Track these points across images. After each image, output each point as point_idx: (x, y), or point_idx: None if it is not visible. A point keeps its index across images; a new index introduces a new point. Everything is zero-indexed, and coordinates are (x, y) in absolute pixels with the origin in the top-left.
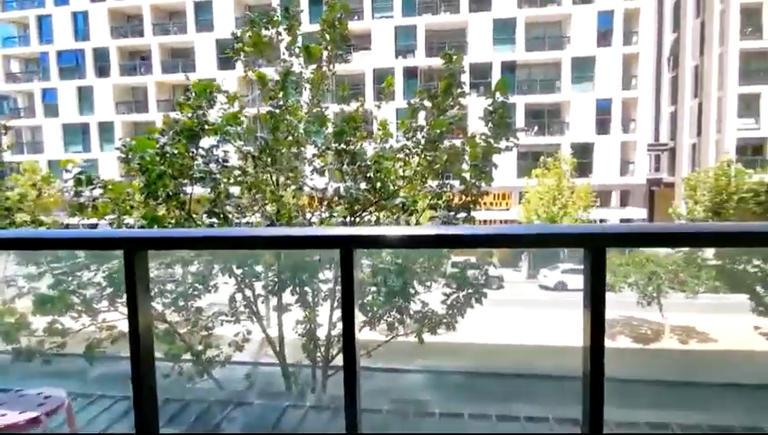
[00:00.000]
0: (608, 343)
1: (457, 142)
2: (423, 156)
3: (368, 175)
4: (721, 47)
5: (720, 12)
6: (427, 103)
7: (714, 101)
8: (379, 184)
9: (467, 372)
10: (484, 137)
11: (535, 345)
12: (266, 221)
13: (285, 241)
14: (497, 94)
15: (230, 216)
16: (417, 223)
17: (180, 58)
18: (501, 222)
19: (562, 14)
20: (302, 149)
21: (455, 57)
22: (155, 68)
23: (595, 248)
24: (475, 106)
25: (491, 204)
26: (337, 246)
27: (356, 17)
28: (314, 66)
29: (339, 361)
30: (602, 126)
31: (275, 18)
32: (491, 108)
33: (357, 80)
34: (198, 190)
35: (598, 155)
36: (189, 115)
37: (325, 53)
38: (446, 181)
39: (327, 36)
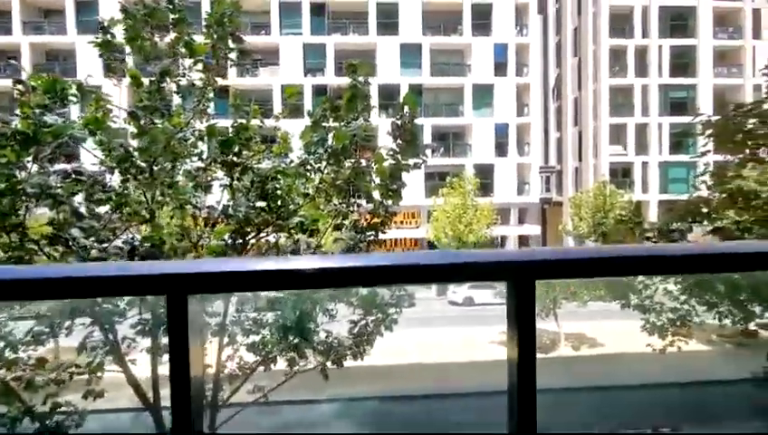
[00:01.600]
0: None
1: (366, 160)
2: (326, 172)
3: (263, 192)
4: (594, 83)
5: (593, 52)
6: (330, 116)
7: (590, 130)
8: (277, 202)
9: (382, 397)
10: (392, 153)
11: (447, 363)
12: (127, 247)
13: (74, 286)
14: (405, 108)
15: (85, 241)
16: (319, 246)
17: (57, 61)
18: (411, 240)
19: (464, 43)
20: (187, 161)
21: (359, 67)
22: (27, 70)
23: (521, 281)
24: (385, 126)
25: (401, 222)
26: (160, 290)
27: (263, 31)
28: (202, 68)
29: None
30: (501, 149)
31: (157, 11)
32: (399, 122)
33: (265, 96)
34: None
35: (498, 176)
36: (27, 116)
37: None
38: (353, 200)
39: (214, 35)
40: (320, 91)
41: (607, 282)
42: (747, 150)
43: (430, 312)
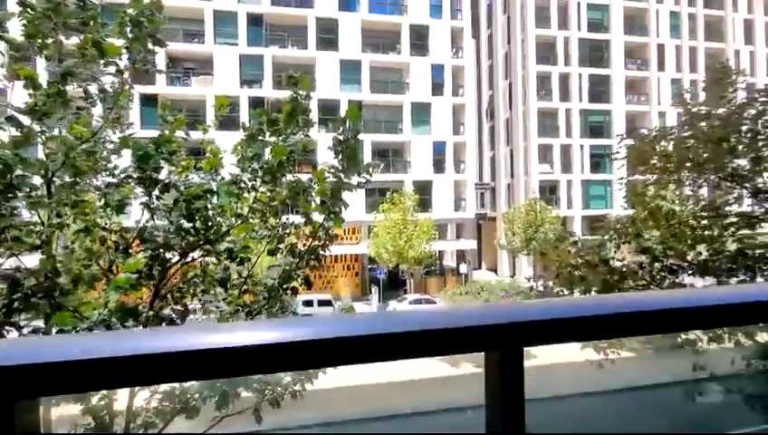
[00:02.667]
0: (452, 371)
1: (307, 177)
2: (261, 190)
3: (188, 212)
4: (524, 105)
5: (522, 76)
6: (268, 129)
7: (521, 149)
8: (206, 223)
9: (322, 423)
10: (333, 171)
11: (389, 383)
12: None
13: None
14: (347, 123)
15: None
16: (250, 275)
17: None
18: (352, 256)
19: (402, 62)
20: (99, 177)
21: (300, 79)
22: None
23: (509, 349)
24: (325, 142)
25: (341, 238)
26: None
27: (196, 39)
28: (115, 72)
29: None
30: (439, 166)
31: (61, 6)
32: (341, 137)
33: (197, 106)
34: None
35: (436, 192)
36: None
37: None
38: (290, 222)
39: (129, 35)
40: (257, 103)
41: (548, 293)
42: (662, 172)
43: None
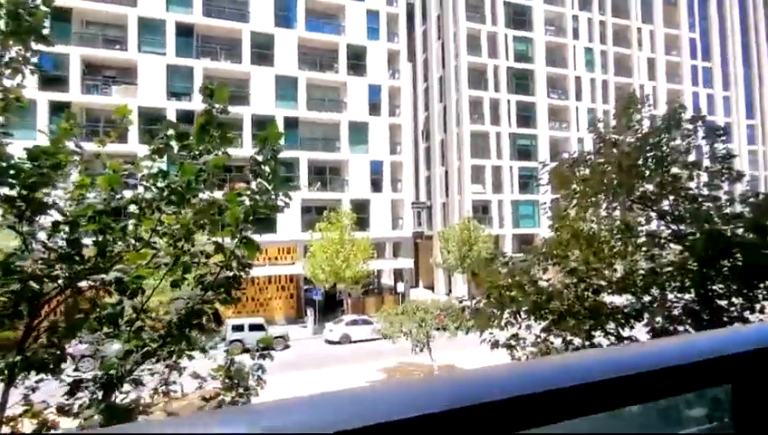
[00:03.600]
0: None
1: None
2: (167, 212)
3: (71, 237)
4: (458, 127)
5: (456, 100)
6: (178, 144)
7: (455, 170)
8: (102, 248)
9: None
10: (249, 193)
11: None
12: None
13: None
14: (267, 141)
15: None
16: (143, 310)
17: None
18: (286, 277)
19: (339, 81)
20: None
21: (217, 90)
22: None
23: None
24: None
25: (275, 258)
26: None
27: (117, 46)
28: None
29: None
30: (376, 185)
31: None
32: (260, 157)
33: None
34: None
35: (374, 211)
36: None
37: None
38: (200, 249)
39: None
40: (186, 116)
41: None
42: (582, 196)
43: (306, 354)
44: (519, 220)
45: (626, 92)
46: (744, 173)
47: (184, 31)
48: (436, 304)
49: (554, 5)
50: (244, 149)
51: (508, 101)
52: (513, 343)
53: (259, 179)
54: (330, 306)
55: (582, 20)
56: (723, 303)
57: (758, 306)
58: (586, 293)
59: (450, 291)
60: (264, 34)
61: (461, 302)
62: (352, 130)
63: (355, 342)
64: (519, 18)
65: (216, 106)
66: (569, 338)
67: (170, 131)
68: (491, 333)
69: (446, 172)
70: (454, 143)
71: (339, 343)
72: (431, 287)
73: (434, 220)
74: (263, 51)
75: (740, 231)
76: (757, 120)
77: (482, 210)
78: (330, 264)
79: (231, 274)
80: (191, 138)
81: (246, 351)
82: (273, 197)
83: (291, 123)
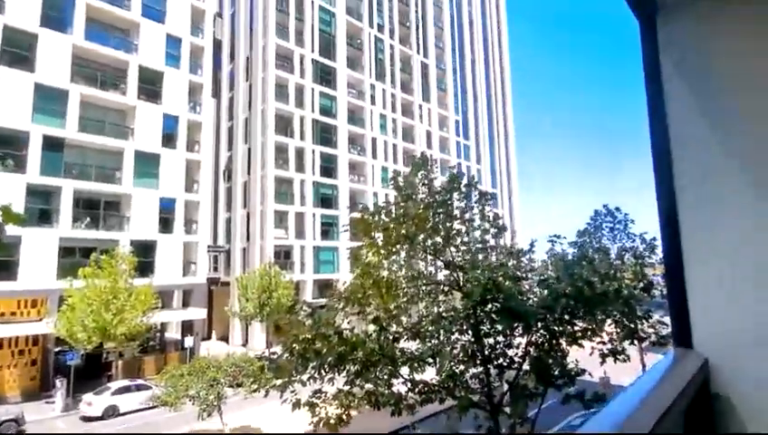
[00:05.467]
0: None
1: None
2: None
3: None
4: (262, 171)
5: (261, 143)
6: None
7: (258, 213)
8: None
9: None
10: None
11: None
12: None
13: None
14: None
15: None
16: None
17: None
18: (25, 338)
19: (127, 104)
20: None
21: None
22: None
23: None
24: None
25: (12, 314)
26: None
27: None
28: None
29: None
30: (166, 225)
31: None
32: None
33: None
34: None
35: (161, 254)
36: None
37: None
38: None
39: None
40: None
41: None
42: (385, 244)
43: None
44: (320, 266)
45: (416, 155)
46: (506, 228)
47: None
48: (231, 359)
49: (356, 72)
50: None
51: (313, 150)
52: (315, 400)
53: None
54: (92, 372)
55: (378, 89)
56: (490, 341)
57: (515, 342)
58: (386, 341)
59: (247, 341)
60: (22, 32)
61: (260, 358)
62: (140, 160)
63: (125, 414)
64: (326, 76)
65: None
66: (371, 388)
67: None
68: (293, 391)
69: (249, 215)
70: (258, 186)
71: (101, 418)
72: (226, 339)
73: (233, 265)
74: (19, 52)
75: (501, 279)
76: (498, 189)
77: (284, 256)
78: (96, 318)
79: None
80: None
81: None
82: None
83: (53, 144)
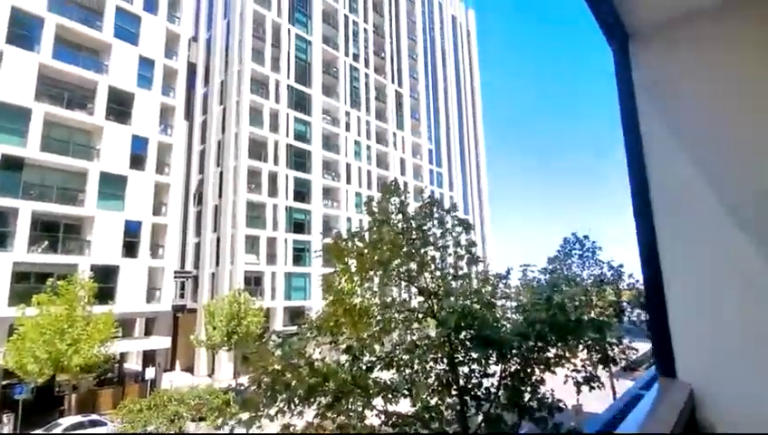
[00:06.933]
0: None
1: None
2: None
3: None
4: (234, 195)
5: (234, 167)
6: None
7: (228, 238)
8: None
9: None
10: None
11: None
12: None
13: None
14: None
15: None
16: None
17: None
18: None
19: (94, 124)
20: None
21: None
22: None
23: None
24: None
25: None
26: None
27: None
28: None
29: None
30: (131, 249)
31: None
32: None
33: None
34: None
35: (123, 280)
36: None
37: None
38: None
39: None
40: None
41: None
42: (359, 270)
43: None
44: (291, 292)
45: (389, 181)
46: (482, 259)
47: None
48: (195, 392)
49: (331, 99)
50: None
51: (286, 175)
52: None
53: None
54: (43, 406)
55: (353, 116)
56: (465, 370)
57: (490, 371)
58: (359, 371)
59: (213, 372)
60: None
61: (226, 391)
62: (105, 182)
63: None
64: (300, 102)
65: None
66: (343, 421)
67: None
68: (258, 426)
69: (219, 240)
70: (229, 210)
71: None
72: (191, 369)
73: (200, 292)
74: None
75: (476, 306)
76: (470, 215)
77: (254, 282)
78: (49, 348)
79: None
80: None
81: None
82: None
83: (11, 164)
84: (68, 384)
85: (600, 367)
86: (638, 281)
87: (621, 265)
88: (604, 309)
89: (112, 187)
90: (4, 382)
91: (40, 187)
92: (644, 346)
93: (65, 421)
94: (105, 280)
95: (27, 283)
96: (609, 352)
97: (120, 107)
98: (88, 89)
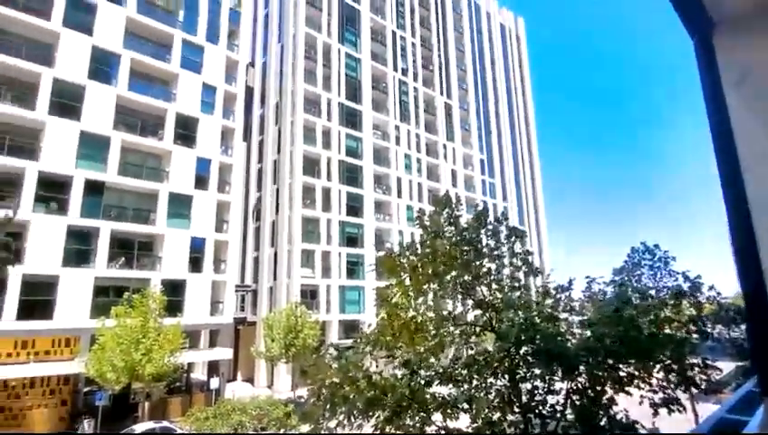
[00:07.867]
0: None
1: None
2: None
3: None
4: (290, 211)
5: (289, 184)
6: None
7: (285, 253)
8: None
9: None
10: None
11: None
12: None
13: None
14: None
15: None
16: None
17: None
18: (57, 378)
19: (164, 149)
20: None
21: None
22: None
23: None
24: (48, 225)
25: (45, 353)
26: None
27: None
28: None
29: None
30: (196, 264)
31: None
32: None
33: None
34: None
35: (190, 293)
36: None
37: None
38: None
39: None
40: None
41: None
42: (414, 284)
43: None
44: (346, 306)
45: (441, 194)
46: (541, 270)
47: None
48: (256, 402)
49: (381, 114)
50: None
51: (339, 190)
52: None
53: None
54: (119, 413)
55: (403, 130)
56: (528, 386)
57: (555, 388)
58: (418, 385)
59: (272, 383)
60: (70, 84)
61: (286, 403)
62: (173, 202)
63: None
64: (351, 118)
65: None
66: None
67: None
68: None
69: (276, 254)
70: (285, 226)
71: None
72: (251, 380)
73: (259, 305)
74: (66, 101)
75: (537, 319)
76: (526, 225)
77: (310, 295)
78: (125, 358)
79: None
80: None
81: None
82: None
83: (94, 188)
84: (142, 392)
85: (680, 389)
86: (719, 294)
87: (699, 277)
88: (682, 325)
89: (179, 206)
90: (85, 389)
91: (117, 208)
92: (727, 366)
93: (138, 428)
94: (173, 293)
95: (106, 296)
96: (690, 372)
97: (185, 131)
98: (158, 116)
